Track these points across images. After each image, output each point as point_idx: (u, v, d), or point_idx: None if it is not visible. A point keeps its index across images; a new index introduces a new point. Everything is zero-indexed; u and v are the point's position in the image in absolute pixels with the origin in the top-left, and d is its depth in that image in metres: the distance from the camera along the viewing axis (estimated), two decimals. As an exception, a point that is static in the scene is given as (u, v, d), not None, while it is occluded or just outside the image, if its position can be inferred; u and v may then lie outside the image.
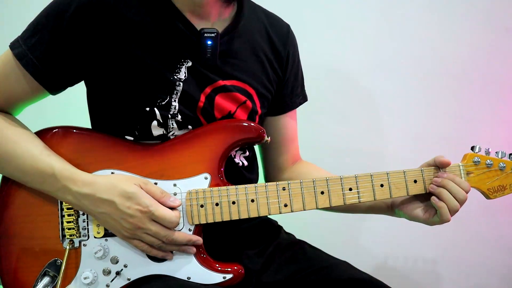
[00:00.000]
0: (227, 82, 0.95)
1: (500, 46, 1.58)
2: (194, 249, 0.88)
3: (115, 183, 0.84)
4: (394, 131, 1.60)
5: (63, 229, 0.87)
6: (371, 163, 1.54)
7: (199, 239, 0.87)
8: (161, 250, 0.86)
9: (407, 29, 1.57)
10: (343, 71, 1.58)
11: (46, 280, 0.86)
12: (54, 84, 0.90)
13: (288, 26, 1.09)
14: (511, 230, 1.63)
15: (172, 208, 0.85)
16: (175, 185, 0.89)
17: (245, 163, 1.03)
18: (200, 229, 0.90)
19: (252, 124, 0.94)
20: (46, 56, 0.87)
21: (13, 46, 0.88)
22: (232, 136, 0.92)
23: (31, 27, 0.89)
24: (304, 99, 1.15)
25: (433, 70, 1.59)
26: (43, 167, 0.84)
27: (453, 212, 0.89)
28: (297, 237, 1.11)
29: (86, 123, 0.99)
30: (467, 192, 0.90)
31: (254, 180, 1.07)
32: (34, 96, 0.91)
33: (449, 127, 1.54)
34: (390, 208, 1.00)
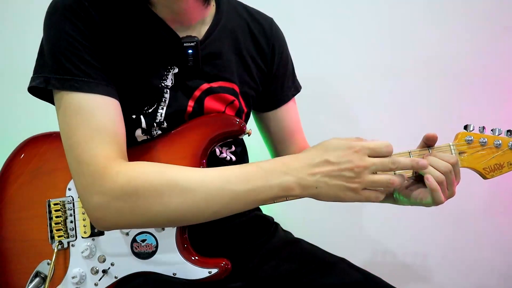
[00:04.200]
0: (214, 84, 0.95)
1: (500, 46, 1.54)
2: (426, 162, 0.79)
3: (305, 153, 0.78)
4: (394, 131, 1.56)
5: (51, 231, 0.90)
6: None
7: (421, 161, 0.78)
8: (393, 184, 0.76)
9: (406, 28, 1.55)
10: (343, 71, 1.56)
11: (37, 281, 0.88)
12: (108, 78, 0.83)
13: (271, 20, 1.07)
14: (511, 229, 1.56)
15: None
16: (157, 182, 0.89)
17: (233, 157, 1.02)
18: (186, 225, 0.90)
19: (232, 117, 0.94)
20: (90, 69, 0.80)
21: (62, 86, 0.79)
22: (212, 131, 0.92)
23: (52, 60, 0.80)
24: (296, 90, 1.13)
25: (432, 70, 1.55)
26: (244, 168, 0.78)
27: (440, 183, 0.81)
28: (295, 235, 1.09)
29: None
30: (450, 163, 0.83)
31: None
32: (119, 111, 0.83)
33: (449, 127, 1.49)
34: (392, 195, 0.94)
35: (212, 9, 0.97)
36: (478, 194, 1.50)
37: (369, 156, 0.75)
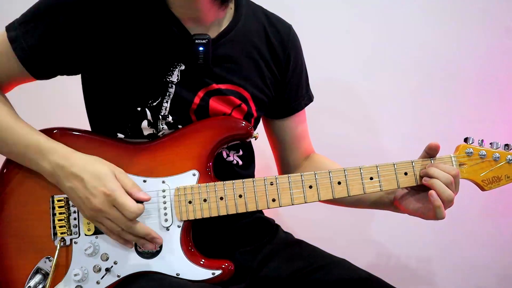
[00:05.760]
0: (222, 86, 0.96)
1: (500, 46, 1.57)
2: (153, 246, 0.87)
3: (90, 161, 0.85)
4: (395, 131, 1.59)
5: (54, 227, 0.89)
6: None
7: (159, 238, 0.86)
8: (120, 237, 0.85)
9: (406, 29, 1.57)
10: (343, 71, 1.58)
11: (38, 277, 0.87)
12: (41, 72, 0.92)
13: (289, 27, 1.07)
14: (510, 230, 1.60)
15: (140, 202, 0.84)
16: (164, 182, 0.90)
17: (240, 161, 1.03)
18: (189, 225, 0.90)
19: (240, 120, 0.95)
20: (37, 45, 0.88)
21: (9, 28, 0.89)
22: (220, 133, 0.93)
23: (29, 13, 0.89)
24: (310, 99, 1.14)
25: (433, 70, 1.59)
26: (30, 138, 0.87)
27: (445, 201, 0.86)
28: (295, 236, 1.11)
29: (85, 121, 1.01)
30: (452, 175, 0.87)
31: (251, 177, 1.06)
32: (20, 78, 0.92)
33: (449, 128, 1.53)
34: (392, 203, 0.97)
35: (230, 12, 0.98)
36: (478, 196, 1.53)
37: (113, 205, 0.82)
